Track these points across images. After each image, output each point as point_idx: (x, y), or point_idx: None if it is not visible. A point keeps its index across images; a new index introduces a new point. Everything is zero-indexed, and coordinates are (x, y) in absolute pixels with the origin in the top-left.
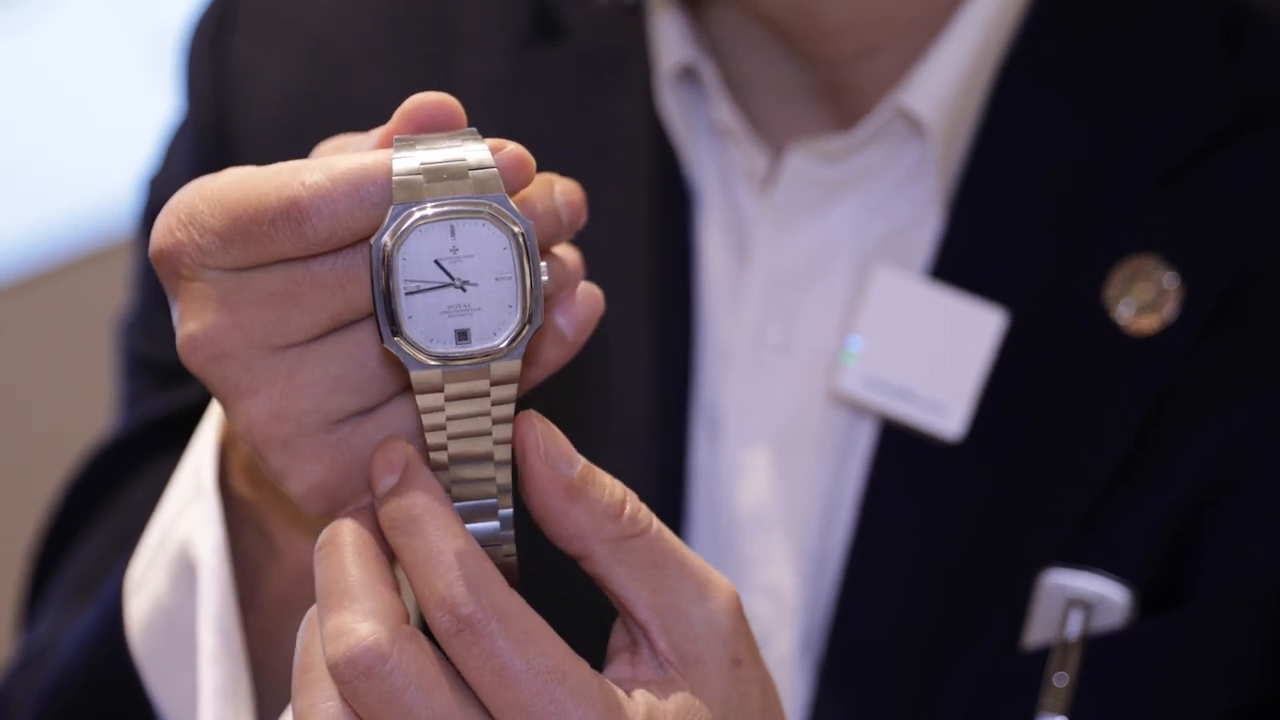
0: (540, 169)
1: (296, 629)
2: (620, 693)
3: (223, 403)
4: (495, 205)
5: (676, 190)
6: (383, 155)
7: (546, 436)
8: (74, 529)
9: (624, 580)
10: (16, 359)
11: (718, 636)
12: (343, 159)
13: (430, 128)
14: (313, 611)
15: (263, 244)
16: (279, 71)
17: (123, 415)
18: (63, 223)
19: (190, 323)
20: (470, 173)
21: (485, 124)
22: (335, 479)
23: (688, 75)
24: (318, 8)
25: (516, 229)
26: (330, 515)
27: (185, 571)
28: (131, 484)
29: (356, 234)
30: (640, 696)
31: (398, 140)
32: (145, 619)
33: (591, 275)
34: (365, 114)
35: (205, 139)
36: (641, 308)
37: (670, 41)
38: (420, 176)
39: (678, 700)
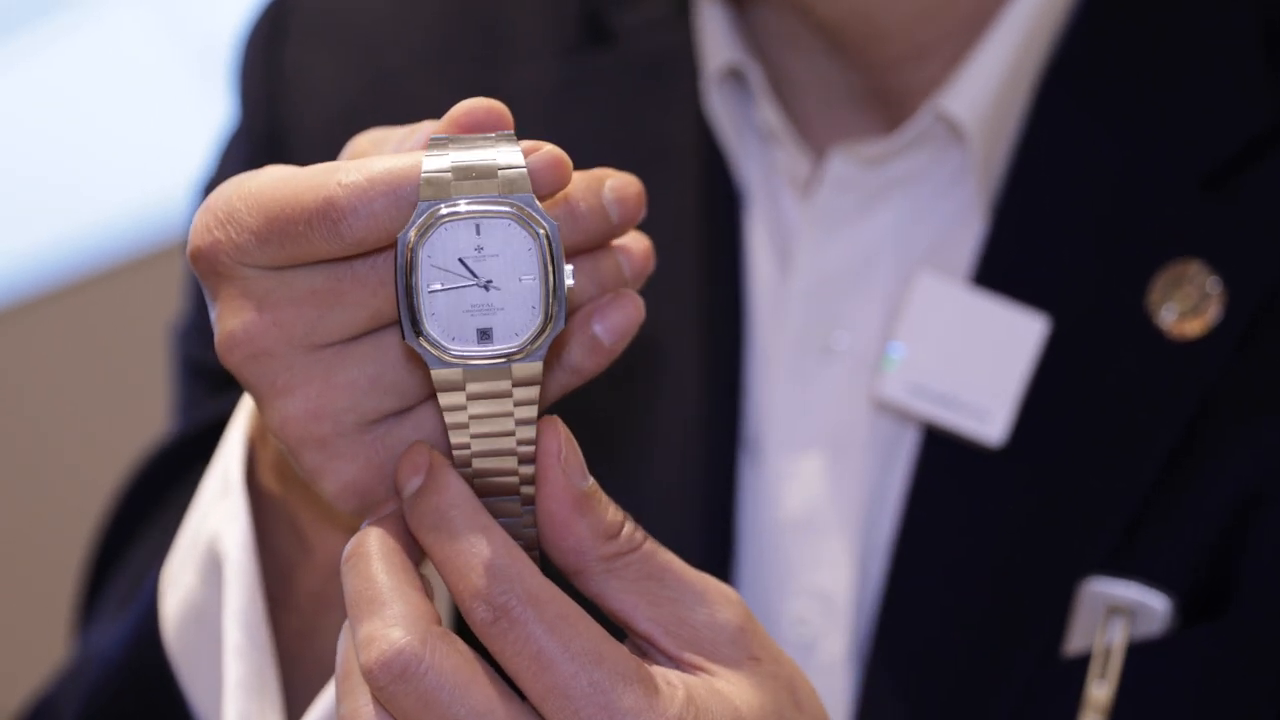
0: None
1: (331, 625)
2: (659, 674)
3: (259, 401)
4: (521, 205)
5: (725, 194)
6: (419, 156)
7: (566, 444)
8: (128, 535)
9: (619, 594)
10: (71, 364)
11: (726, 637)
12: (380, 160)
13: (478, 132)
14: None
15: (299, 244)
16: (331, 79)
17: (177, 421)
18: (117, 227)
19: (229, 320)
20: (499, 172)
21: (536, 131)
22: (369, 478)
23: (734, 77)
24: (370, 15)
25: (541, 230)
26: (362, 514)
27: (213, 567)
28: (184, 489)
29: (393, 235)
30: (678, 679)
31: (433, 140)
32: (178, 616)
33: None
34: (416, 121)
35: (258, 145)
36: (691, 313)
37: (717, 43)
38: (448, 174)
39: (712, 686)
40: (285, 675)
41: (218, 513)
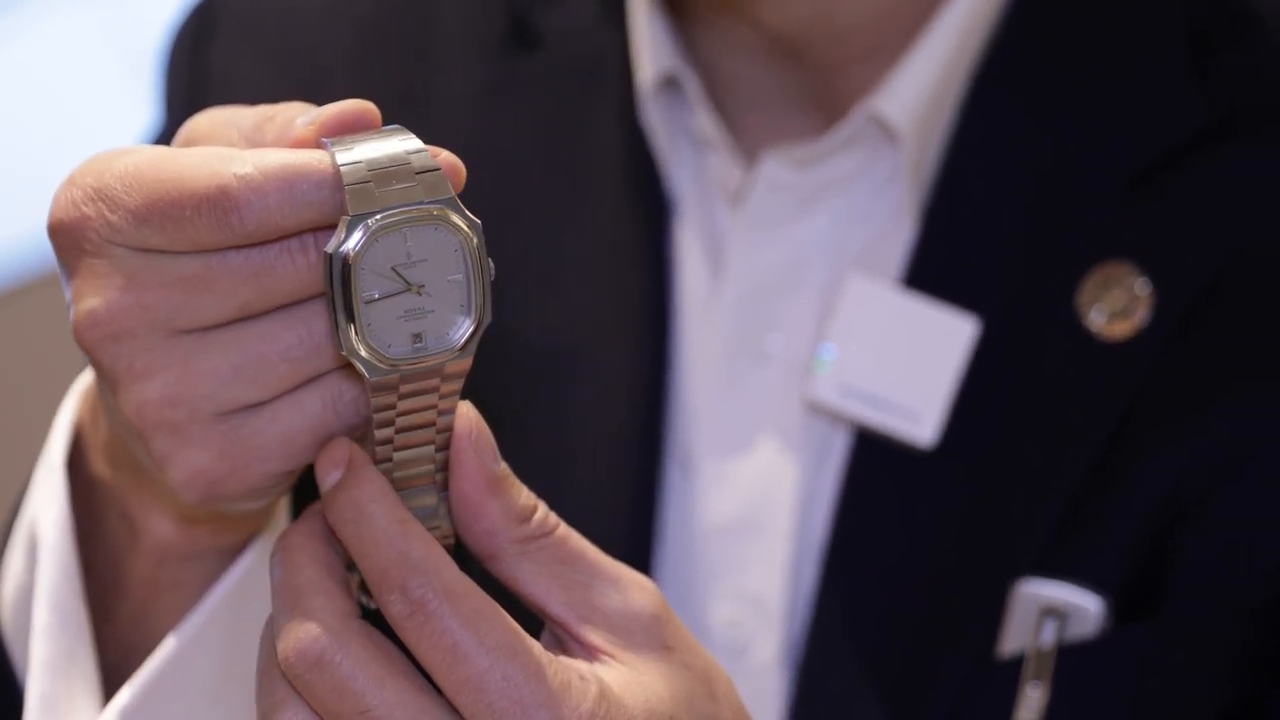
0: (519, 181)
1: (163, 611)
2: (573, 669)
3: (114, 383)
4: (445, 209)
5: (656, 202)
6: (316, 154)
7: (479, 428)
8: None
9: (532, 578)
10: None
11: (639, 624)
12: (275, 153)
13: (348, 134)
14: (271, 616)
15: (182, 229)
16: (256, 81)
17: None
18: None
19: (91, 299)
20: (416, 176)
21: (463, 135)
22: (219, 469)
23: (669, 84)
24: (298, 18)
25: (467, 230)
26: (205, 504)
27: (34, 549)
28: None
29: (283, 230)
30: (590, 673)
31: (332, 142)
32: (10, 600)
33: (567, 286)
34: None
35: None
36: (618, 319)
37: (652, 50)
38: (371, 184)
39: (624, 678)
40: (121, 662)
41: (39, 494)
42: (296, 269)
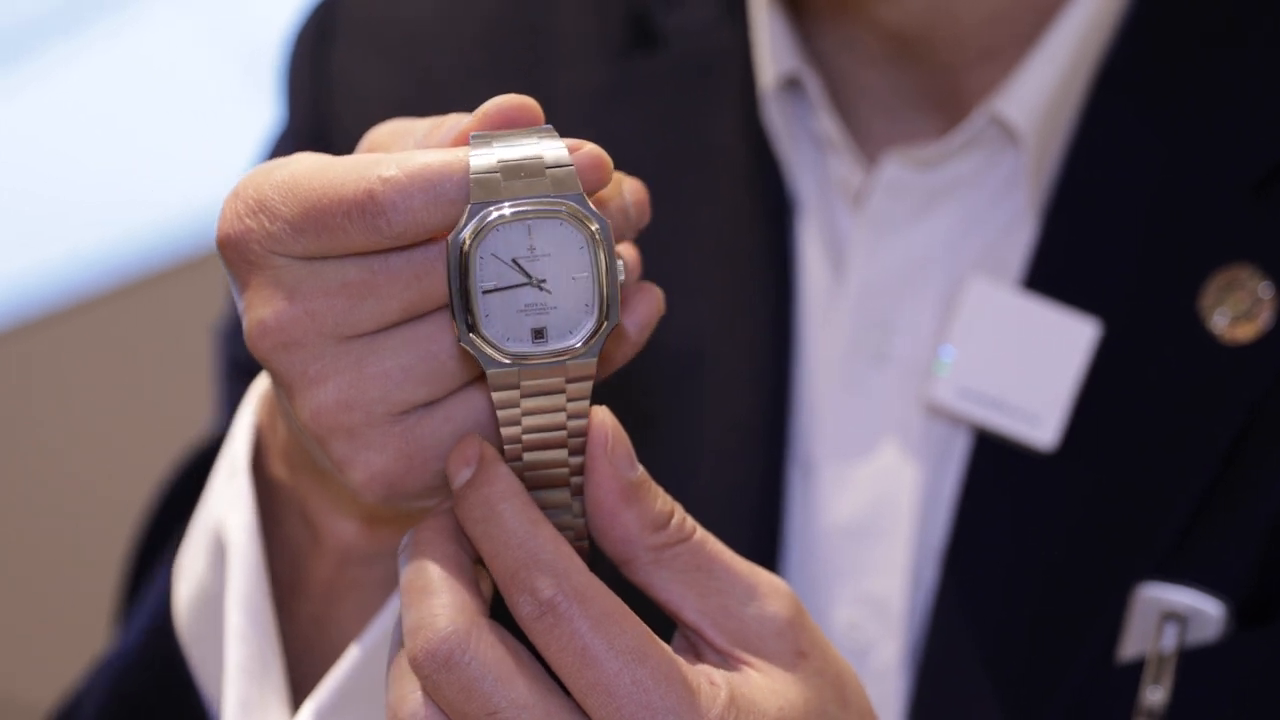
0: (639, 177)
1: (343, 613)
2: (703, 674)
3: (288, 391)
4: (572, 204)
5: (777, 202)
6: (459, 152)
7: (614, 435)
8: (166, 532)
9: (668, 584)
10: (118, 366)
11: (773, 631)
12: (420, 155)
13: (510, 128)
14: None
15: (336, 235)
16: (377, 81)
17: (220, 420)
18: (164, 230)
19: (260, 309)
20: (547, 171)
21: (583, 135)
22: (397, 469)
23: (790, 85)
24: (417, 19)
25: (593, 227)
26: (388, 504)
27: (220, 553)
28: None
29: (431, 230)
30: (721, 679)
31: (474, 137)
32: (189, 603)
33: (690, 287)
34: None
35: (303, 147)
36: (739, 319)
37: (773, 51)
38: (498, 174)
39: (755, 684)
40: (299, 663)
41: (223, 499)
42: None
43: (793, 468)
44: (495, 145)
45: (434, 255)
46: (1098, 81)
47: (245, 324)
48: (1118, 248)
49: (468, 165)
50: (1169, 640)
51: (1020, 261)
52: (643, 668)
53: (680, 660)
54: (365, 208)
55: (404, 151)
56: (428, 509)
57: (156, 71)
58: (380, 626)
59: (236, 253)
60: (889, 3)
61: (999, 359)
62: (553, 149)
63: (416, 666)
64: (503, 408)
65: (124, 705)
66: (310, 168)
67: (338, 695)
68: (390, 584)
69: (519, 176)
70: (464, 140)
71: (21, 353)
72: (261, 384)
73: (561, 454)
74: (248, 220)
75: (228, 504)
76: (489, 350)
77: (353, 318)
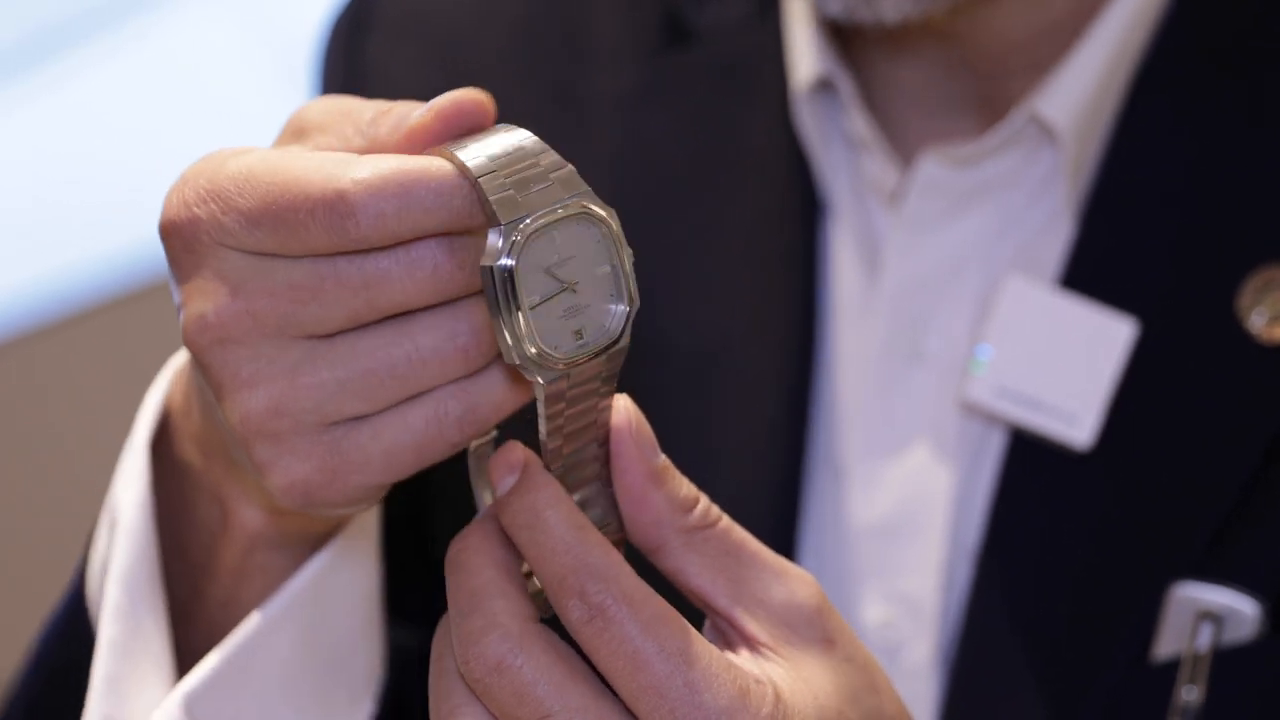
0: (671, 179)
1: (249, 597)
2: (750, 674)
3: (218, 389)
4: (584, 201)
5: (808, 202)
6: (435, 160)
7: (637, 420)
8: None
9: (699, 570)
10: (122, 370)
11: (802, 618)
12: (393, 158)
13: (465, 127)
14: (445, 619)
15: (295, 232)
16: (412, 75)
17: None
18: None
19: (201, 303)
20: (550, 175)
21: (618, 134)
22: (318, 480)
23: (824, 86)
24: (452, 14)
25: (606, 217)
26: (302, 510)
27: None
28: None
29: (398, 236)
30: (765, 676)
31: (450, 146)
32: (94, 577)
33: (719, 286)
34: (496, 123)
35: None
36: (766, 320)
37: (806, 52)
38: (512, 190)
39: (795, 677)
40: (207, 643)
41: (121, 475)
42: (407, 279)
43: (822, 467)
44: (480, 153)
45: (385, 263)
46: (1136, 81)
47: (183, 317)
48: (1155, 247)
49: (449, 174)
50: (1204, 640)
51: (1056, 261)
52: (693, 670)
53: (728, 660)
54: (334, 208)
55: (371, 144)
56: (342, 516)
57: (187, 70)
58: (270, 611)
59: (182, 242)
60: (960, 14)
61: (1036, 358)
62: (542, 152)
63: (469, 673)
64: (552, 418)
65: (40, 674)
66: (270, 159)
67: (217, 675)
68: (296, 570)
69: (531, 188)
70: (417, 131)
71: (32, 356)
72: (177, 360)
73: (592, 448)
74: (196, 209)
75: (124, 480)
76: (547, 365)
77: (295, 321)
